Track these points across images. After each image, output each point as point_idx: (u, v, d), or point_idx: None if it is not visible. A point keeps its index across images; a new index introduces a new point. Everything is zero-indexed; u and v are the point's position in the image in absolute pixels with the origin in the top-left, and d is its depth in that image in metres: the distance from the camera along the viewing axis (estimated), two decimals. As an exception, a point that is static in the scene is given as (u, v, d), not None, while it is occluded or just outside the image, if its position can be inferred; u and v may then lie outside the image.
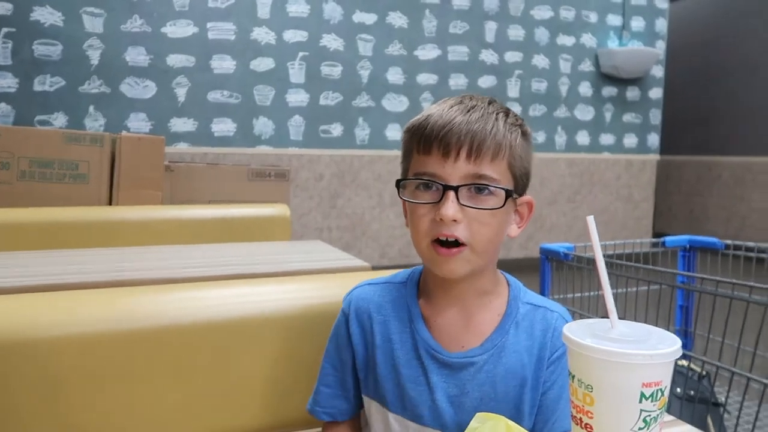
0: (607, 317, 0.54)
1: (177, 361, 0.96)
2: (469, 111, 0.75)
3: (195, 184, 2.67)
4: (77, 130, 2.78)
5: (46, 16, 3.79)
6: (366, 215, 4.60)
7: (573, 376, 0.51)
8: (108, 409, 0.91)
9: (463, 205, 0.72)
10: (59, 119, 3.86)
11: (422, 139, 0.76)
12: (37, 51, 3.79)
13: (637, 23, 5.36)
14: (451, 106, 0.77)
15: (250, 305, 1.04)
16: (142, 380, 0.94)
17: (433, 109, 0.78)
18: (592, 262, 1.77)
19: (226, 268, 1.51)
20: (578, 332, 0.52)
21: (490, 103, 0.79)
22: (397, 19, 4.57)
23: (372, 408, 0.85)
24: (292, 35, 4.31)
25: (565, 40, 5.12)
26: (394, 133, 4.61)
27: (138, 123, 4.00)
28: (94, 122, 3.93)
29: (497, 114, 0.76)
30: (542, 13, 5.02)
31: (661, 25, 5.46)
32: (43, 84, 3.81)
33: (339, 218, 4.52)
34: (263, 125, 4.29)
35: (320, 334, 0.93)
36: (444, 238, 0.73)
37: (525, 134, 0.79)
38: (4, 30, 3.73)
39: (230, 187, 2.68)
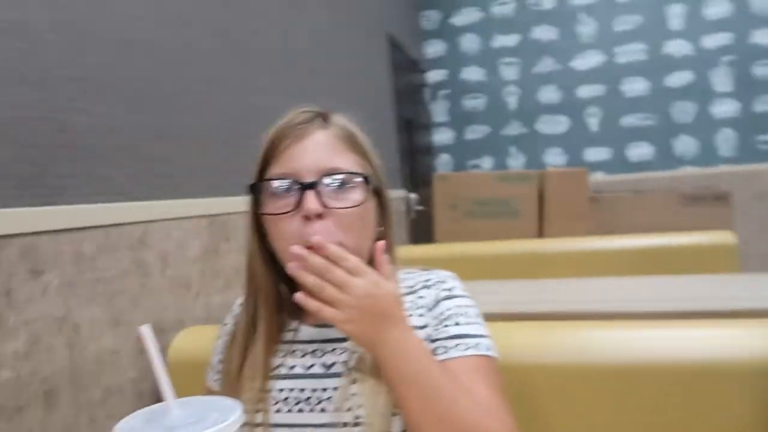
0: None
1: (621, 400, 0.92)
2: None
3: (620, 213, 2.60)
4: (506, 171, 3.04)
5: (472, 73, 4.35)
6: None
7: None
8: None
9: None
10: (486, 162, 4.34)
11: None
12: (466, 105, 4.37)
13: None
14: None
15: (706, 349, 0.92)
16: (596, 414, 0.93)
17: None
18: None
19: (664, 304, 1.39)
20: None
21: None
22: None
23: None
24: (712, 41, 3.86)
25: None
26: None
27: (554, 157, 4.17)
28: (515, 161, 4.27)
29: None
30: None
31: None
32: (473, 132, 4.36)
33: (790, 243, 3.75)
34: (685, 144, 3.93)
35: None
36: None
37: None
38: (442, 92, 4.44)
39: (658, 214, 2.52)
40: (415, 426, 0.65)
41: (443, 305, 0.76)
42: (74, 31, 1.12)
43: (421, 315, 0.76)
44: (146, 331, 0.52)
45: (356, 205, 0.71)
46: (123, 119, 1.23)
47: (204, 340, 1.29)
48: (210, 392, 0.85)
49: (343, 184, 0.72)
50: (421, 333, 0.74)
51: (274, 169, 0.74)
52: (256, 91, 1.81)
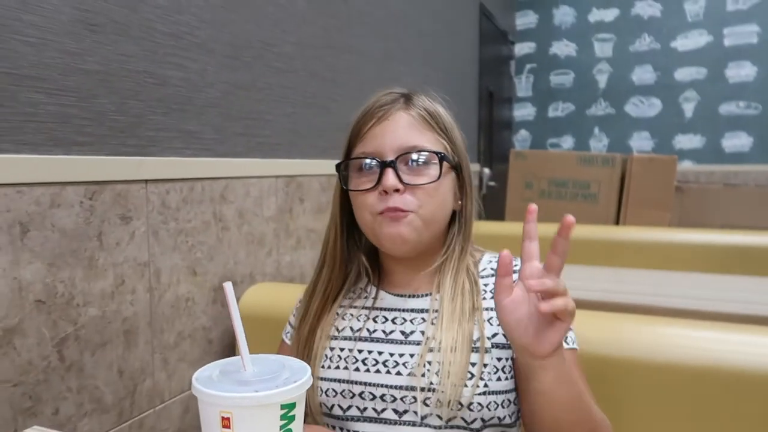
0: None
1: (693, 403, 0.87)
2: None
3: (708, 205, 2.45)
4: (590, 152, 2.93)
5: (561, 48, 4.17)
6: None
7: None
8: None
9: None
10: (567, 141, 4.18)
11: None
12: (553, 81, 4.21)
13: None
14: None
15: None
16: (663, 413, 0.89)
17: None
18: None
19: (748, 306, 1.30)
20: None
21: None
22: None
23: None
24: (837, 26, 3.51)
25: None
26: None
27: (640, 142, 3.97)
28: (598, 143, 4.10)
29: None
30: None
31: None
32: (556, 110, 4.21)
33: None
34: (789, 138, 3.64)
35: None
36: None
37: None
38: (528, 66, 4.29)
39: (751, 210, 2.35)
40: (554, 421, 0.68)
41: None
42: (173, -13, 1.15)
43: None
44: (229, 288, 0.54)
45: (431, 181, 0.76)
46: (213, 76, 1.27)
47: (272, 296, 1.33)
48: (282, 346, 0.90)
49: (419, 162, 0.76)
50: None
51: (359, 149, 0.79)
52: (343, 54, 1.81)
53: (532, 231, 0.63)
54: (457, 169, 0.81)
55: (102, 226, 1.00)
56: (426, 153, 0.76)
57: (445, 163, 0.77)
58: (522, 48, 4.29)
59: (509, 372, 0.75)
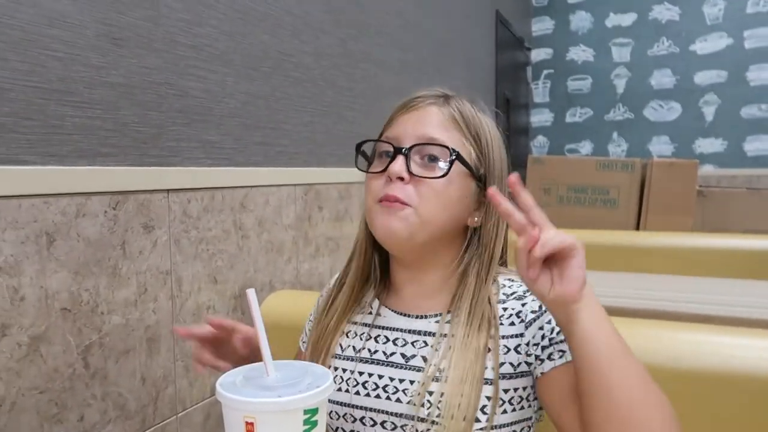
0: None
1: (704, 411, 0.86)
2: None
3: (730, 210, 2.41)
4: (609, 158, 2.91)
5: (579, 54, 4.16)
6: None
7: None
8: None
9: None
10: (585, 147, 4.16)
11: None
12: (570, 87, 4.19)
13: None
14: None
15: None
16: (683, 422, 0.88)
17: None
18: None
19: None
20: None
21: None
22: None
23: None
24: None
25: None
26: None
27: (660, 146, 3.93)
28: (617, 147, 4.06)
29: None
30: None
31: None
32: (574, 116, 4.18)
33: None
34: (814, 141, 3.58)
35: None
36: None
37: None
38: (545, 72, 4.28)
39: (775, 215, 2.32)
40: (623, 401, 0.60)
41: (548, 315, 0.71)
42: (196, 1, 1.18)
43: (522, 322, 0.72)
44: (252, 295, 0.55)
45: (438, 176, 0.71)
46: (233, 87, 1.29)
47: (291, 304, 1.34)
48: (299, 352, 0.89)
49: (434, 157, 0.72)
50: (513, 342, 0.71)
51: (384, 135, 0.76)
52: (360, 64, 1.82)
53: (508, 209, 0.60)
54: (480, 179, 0.75)
55: (125, 235, 1.02)
56: (440, 147, 0.72)
57: (458, 165, 0.72)
58: (539, 54, 4.28)
59: (517, 403, 0.71)
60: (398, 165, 0.71)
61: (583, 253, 0.58)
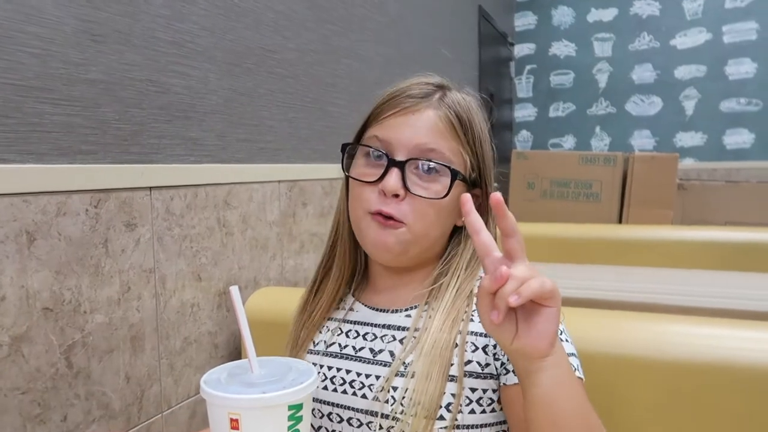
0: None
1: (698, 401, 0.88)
2: None
3: (710, 203, 2.45)
4: (591, 152, 2.93)
5: (561, 49, 4.18)
6: None
7: None
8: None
9: None
10: (569, 141, 4.19)
11: None
12: (553, 82, 4.22)
13: None
14: None
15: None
16: (665, 412, 0.89)
17: None
18: None
19: (749, 303, 1.31)
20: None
21: None
22: None
23: None
24: (836, 21, 3.52)
25: None
26: None
27: (642, 140, 3.98)
28: (600, 142, 4.10)
29: None
30: None
31: None
32: (557, 110, 4.21)
33: None
34: (791, 134, 3.64)
35: None
36: None
37: None
38: (528, 67, 4.30)
39: (754, 207, 2.35)
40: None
41: None
42: (174, -4, 1.17)
43: None
44: (235, 292, 0.55)
45: (436, 198, 0.69)
46: (215, 83, 1.28)
47: (276, 300, 1.34)
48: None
49: (430, 170, 0.69)
50: (481, 341, 0.70)
51: (373, 132, 0.72)
52: (344, 60, 1.82)
53: (477, 223, 0.55)
54: (474, 185, 0.74)
55: (107, 234, 1.01)
56: (439, 164, 0.69)
57: (457, 182, 0.70)
58: (521, 49, 4.30)
59: (487, 405, 0.68)
60: (393, 180, 0.68)
61: (560, 302, 0.53)
